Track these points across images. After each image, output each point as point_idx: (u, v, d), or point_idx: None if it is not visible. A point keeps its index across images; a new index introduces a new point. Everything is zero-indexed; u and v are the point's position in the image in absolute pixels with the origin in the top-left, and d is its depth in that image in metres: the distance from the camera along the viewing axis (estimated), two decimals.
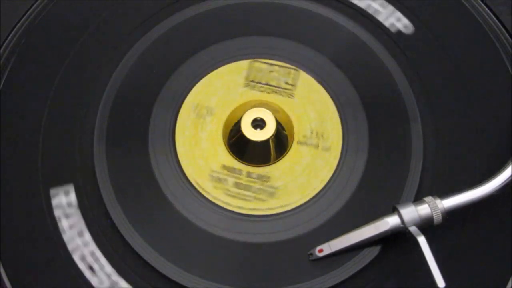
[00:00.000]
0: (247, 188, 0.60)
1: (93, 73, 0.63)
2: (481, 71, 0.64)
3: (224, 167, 0.60)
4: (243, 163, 0.61)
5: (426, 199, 0.55)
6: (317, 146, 0.61)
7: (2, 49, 0.64)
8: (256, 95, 0.63)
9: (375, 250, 0.57)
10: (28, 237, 0.57)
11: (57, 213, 0.58)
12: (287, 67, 0.64)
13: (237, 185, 0.60)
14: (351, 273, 0.56)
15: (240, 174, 0.60)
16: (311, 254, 0.56)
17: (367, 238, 0.55)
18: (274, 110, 0.61)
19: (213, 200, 0.59)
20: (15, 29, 0.65)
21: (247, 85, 0.63)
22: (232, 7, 0.66)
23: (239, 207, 0.59)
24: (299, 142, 0.61)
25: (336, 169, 0.60)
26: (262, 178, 0.60)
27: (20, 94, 0.62)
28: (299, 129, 0.62)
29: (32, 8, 0.66)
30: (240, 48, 0.64)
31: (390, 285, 0.56)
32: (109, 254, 0.57)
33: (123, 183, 0.59)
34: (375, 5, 0.67)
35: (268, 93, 0.63)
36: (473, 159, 0.60)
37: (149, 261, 0.56)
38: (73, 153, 0.60)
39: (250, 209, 0.59)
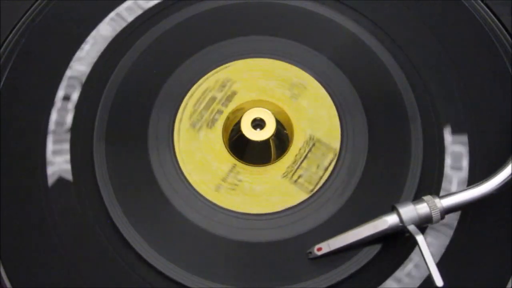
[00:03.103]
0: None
1: (92, 73, 0.63)
2: (481, 71, 0.64)
3: (224, 167, 0.60)
4: (243, 163, 0.61)
5: (425, 198, 0.55)
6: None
7: (2, 49, 0.64)
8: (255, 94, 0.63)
9: (374, 250, 0.57)
10: (28, 237, 0.57)
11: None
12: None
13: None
14: (351, 272, 0.56)
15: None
16: (310, 252, 0.56)
17: (366, 237, 0.55)
18: (274, 109, 0.62)
19: (213, 200, 0.59)
20: (15, 29, 0.65)
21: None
22: (232, 7, 0.66)
23: (239, 207, 0.59)
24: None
25: (336, 168, 0.60)
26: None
27: (20, 94, 0.62)
28: (299, 129, 0.62)
29: (32, 8, 0.66)
30: (240, 48, 0.64)
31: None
32: (109, 254, 0.57)
33: (123, 183, 0.59)
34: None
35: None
36: (473, 158, 0.60)
37: (149, 261, 0.56)
38: (73, 153, 0.61)
39: (250, 208, 0.59)
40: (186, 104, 0.62)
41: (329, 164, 0.60)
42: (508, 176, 0.56)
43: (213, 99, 0.63)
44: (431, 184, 0.59)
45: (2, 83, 0.63)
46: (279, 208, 0.58)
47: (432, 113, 0.62)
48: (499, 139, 0.61)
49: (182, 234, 0.57)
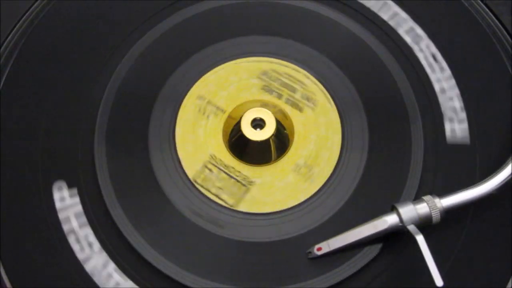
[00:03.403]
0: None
1: (93, 73, 0.63)
2: (481, 71, 0.64)
3: (225, 167, 0.60)
4: (243, 163, 0.61)
5: (425, 198, 0.55)
6: (243, 189, 0.60)
7: (2, 49, 0.64)
8: (255, 95, 0.63)
9: (374, 250, 0.56)
10: (28, 237, 0.58)
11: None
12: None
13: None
14: (351, 272, 0.56)
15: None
16: (310, 252, 0.56)
17: (366, 236, 0.55)
18: (274, 110, 0.62)
19: (214, 199, 0.59)
20: (15, 29, 0.65)
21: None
22: (232, 7, 0.66)
23: (239, 206, 0.59)
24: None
25: (336, 168, 0.60)
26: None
27: (20, 94, 0.62)
28: (299, 129, 0.62)
29: (32, 8, 0.66)
30: (240, 48, 0.64)
31: (390, 284, 0.56)
32: (110, 254, 0.57)
33: (123, 183, 0.59)
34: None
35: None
36: (473, 158, 0.60)
37: (149, 261, 0.56)
38: (74, 153, 0.61)
39: (250, 208, 0.59)
40: (188, 103, 0.63)
41: (330, 164, 0.60)
42: (508, 176, 0.56)
43: (293, 89, 0.63)
44: (431, 184, 0.59)
45: (2, 83, 0.63)
46: (279, 208, 0.58)
47: (432, 113, 0.62)
48: (499, 139, 0.61)
49: (182, 234, 0.57)
